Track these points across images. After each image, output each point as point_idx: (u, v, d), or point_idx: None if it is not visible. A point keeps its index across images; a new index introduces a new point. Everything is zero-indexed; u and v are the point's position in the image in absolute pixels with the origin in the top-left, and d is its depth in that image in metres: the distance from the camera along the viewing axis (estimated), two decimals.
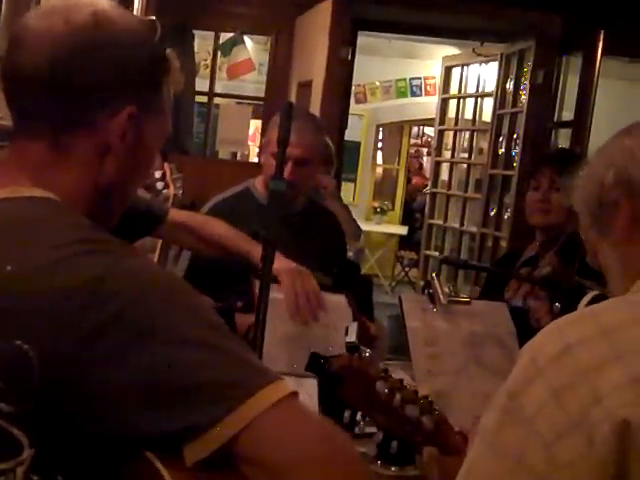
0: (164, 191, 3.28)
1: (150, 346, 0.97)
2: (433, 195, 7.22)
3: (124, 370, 0.96)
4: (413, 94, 11.18)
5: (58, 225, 1.06)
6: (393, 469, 1.87)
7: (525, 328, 2.25)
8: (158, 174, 3.29)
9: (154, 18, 1.17)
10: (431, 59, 9.95)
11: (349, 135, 6.81)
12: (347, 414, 1.33)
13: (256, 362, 1.05)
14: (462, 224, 6.66)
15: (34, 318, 0.97)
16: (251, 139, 7.52)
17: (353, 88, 7.06)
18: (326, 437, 1.01)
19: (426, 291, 2.13)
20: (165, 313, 0.99)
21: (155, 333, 0.97)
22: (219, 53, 6.20)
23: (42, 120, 1.10)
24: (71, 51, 1.08)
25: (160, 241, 3.23)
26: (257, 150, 7.45)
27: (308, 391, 1.82)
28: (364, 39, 6.74)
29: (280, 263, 2.22)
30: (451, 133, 7.21)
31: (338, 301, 2.37)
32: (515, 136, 5.79)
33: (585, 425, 0.86)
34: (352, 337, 1.69)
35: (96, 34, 1.09)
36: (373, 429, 1.39)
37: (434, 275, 2.15)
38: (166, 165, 3.31)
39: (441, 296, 2.08)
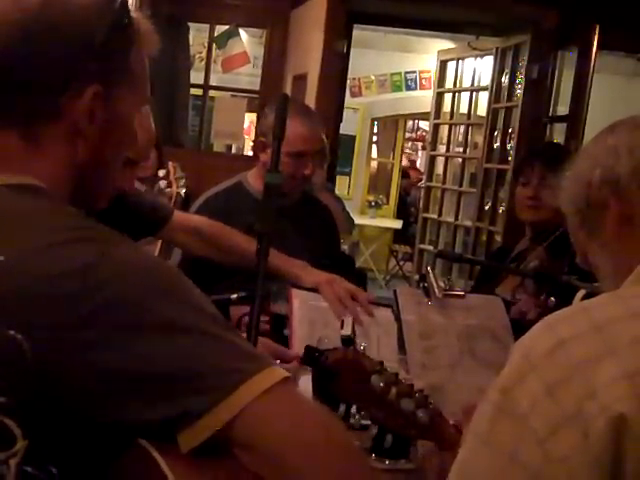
0: (167, 190, 3.28)
1: (142, 334, 0.97)
2: (428, 189, 7.22)
3: (116, 358, 0.96)
4: (408, 88, 11.18)
5: (49, 212, 1.05)
6: (387, 462, 1.87)
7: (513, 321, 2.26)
8: (162, 173, 3.29)
9: None
10: (426, 53, 9.95)
11: (344, 129, 6.81)
12: (342, 408, 1.33)
13: (249, 349, 1.05)
14: (457, 218, 6.66)
15: (27, 307, 0.97)
16: (246, 132, 7.51)
17: (348, 82, 7.06)
18: (320, 422, 1.01)
19: (421, 285, 2.13)
20: (157, 301, 0.99)
21: (147, 321, 0.97)
22: (214, 46, 6.19)
23: (3, 111, 1.08)
24: (22, 37, 1.05)
25: None
26: (251, 143, 7.45)
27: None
28: (359, 32, 6.73)
29: (314, 277, 2.24)
30: (446, 127, 7.22)
31: (385, 315, 2.35)
32: (510, 130, 5.80)
33: (580, 420, 0.86)
34: (347, 330, 1.69)
35: (46, 13, 1.06)
36: (368, 422, 1.39)
37: (429, 269, 2.15)
38: (170, 164, 3.32)
39: (436, 290, 2.08)
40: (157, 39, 1.17)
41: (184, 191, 3.55)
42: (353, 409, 1.37)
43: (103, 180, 1.18)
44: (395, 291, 2.18)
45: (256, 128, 6.11)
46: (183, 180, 3.56)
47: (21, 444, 0.96)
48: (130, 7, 1.13)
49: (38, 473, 0.98)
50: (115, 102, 1.11)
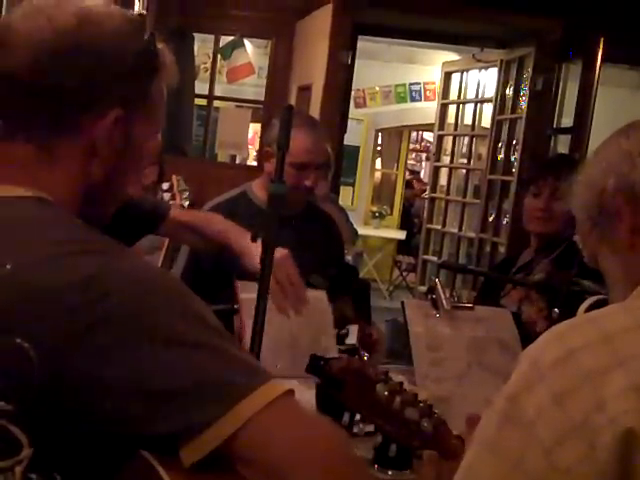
0: (171, 202, 3.29)
1: (142, 347, 0.97)
2: (432, 200, 7.22)
3: (117, 371, 0.96)
4: (412, 99, 11.19)
5: (52, 224, 1.06)
6: (390, 473, 1.86)
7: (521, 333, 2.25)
8: (166, 186, 3.30)
9: (143, 13, 1.15)
10: (431, 64, 9.96)
11: (348, 139, 6.81)
12: (346, 416, 1.33)
13: (252, 362, 1.05)
14: (460, 229, 6.66)
15: (32, 316, 0.97)
16: (250, 142, 7.52)
17: (352, 92, 7.07)
18: (323, 435, 1.01)
19: (429, 296, 2.12)
20: (158, 313, 0.99)
21: (148, 334, 0.97)
22: (219, 56, 6.21)
23: (25, 122, 1.10)
24: (53, 53, 1.07)
25: (167, 240, 3.24)
26: (255, 153, 7.46)
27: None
28: (364, 44, 6.74)
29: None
30: (450, 138, 7.22)
31: (318, 297, 2.35)
32: (514, 142, 5.80)
33: (587, 431, 0.86)
34: (352, 339, 1.69)
35: (79, 35, 1.08)
36: (371, 427, 1.38)
37: (437, 280, 2.14)
38: (174, 177, 3.33)
39: (444, 302, 2.08)
40: (177, 72, 1.19)
41: (187, 204, 3.56)
42: (357, 418, 1.37)
43: (112, 199, 1.20)
44: (403, 303, 2.17)
45: (261, 138, 6.14)
46: (187, 193, 3.57)
47: (27, 451, 0.96)
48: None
49: None
50: (133, 128, 1.13)
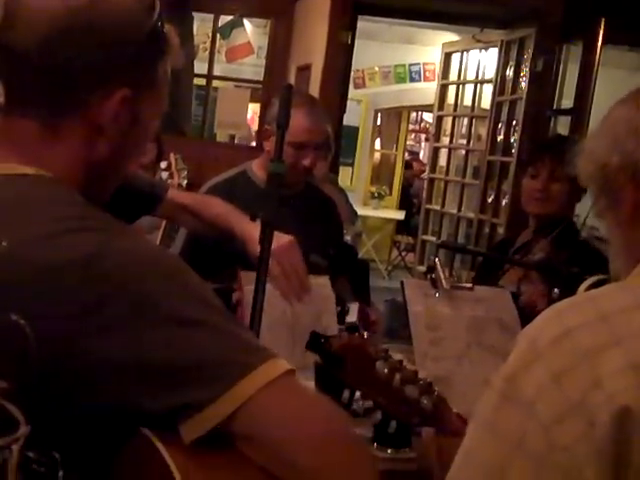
0: (169, 181, 3.29)
1: (143, 324, 0.97)
2: (431, 181, 7.21)
3: (117, 348, 0.96)
4: (412, 80, 11.16)
5: (53, 202, 1.06)
6: (389, 451, 1.87)
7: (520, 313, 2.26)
8: (164, 164, 3.30)
9: None
10: (430, 45, 9.93)
11: (347, 120, 6.79)
12: (346, 394, 1.33)
13: (253, 340, 1.05)
14: (459, 210, 6.65)
15: (29, 293, 0.97)
16: (249, 123, 7.50)
17: (352, 73, 7.05)
18: (323, 414, 1.01)
19: (429, 276, 2.12)
20: (158, 292, 0.99)
21: (148, 311, 0.97)
22: (218, 36, 6.18)
23: (32, 100, 1.09)
24: (65, 31, 1.06)
25: (164, 220, 3.24)
26: (253, 134, 7.43)
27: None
28: (364, 24, 6.71)
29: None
30: (450, 119, 7.20)
31: (323, 284, 2.36)
32: (514, 123, 5.78)
33: (585, 409, 0.86)
34: (352, 317, 1.69)
35: (91, 13, 1.07)
36: (371, 404, 1.39)
37: (437, 260, 2.14)
38: (172, 156, 3.32)
39: (444, 281, 2.08)
40: (182, 55, 1.20)
41: (185, 182, 3.56)
42: (357, 396, 1.37)
43: (114, 178, 1.20)
44: (402, 282, 2.17)
45: (259, 118, 6.12)
46: (185, 172, 3.57)
47: (24, 429, 0.96)
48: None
49: (41, 458, 0.98)
50: (139, 108, 1.13)
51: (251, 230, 2.01)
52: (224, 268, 2.44)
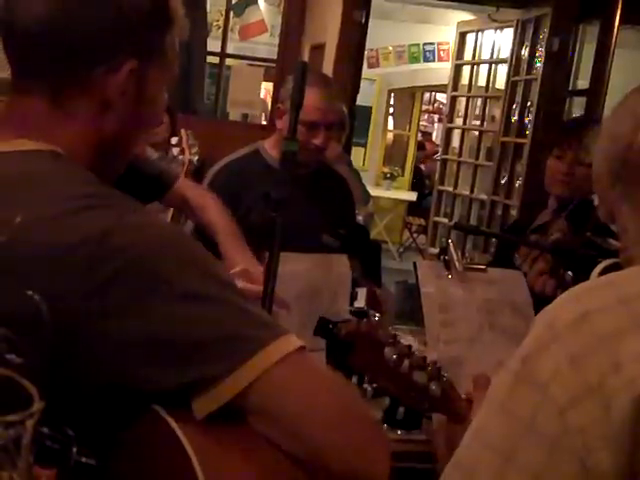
0: (180, 157, 3.27)
1: (157, 300, 0.97)
2: (444, 162, 7.19)
3: (132, 324, 0.96)
4: (426, 60, 11.11)
5: (66, 178, 1.06)
6: (399, 432, 1.87)
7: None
8: (174, 140, 3.28)
9: None
10: (445, 24, 9.87)
11: (360, 100, 6.75)
12: (355, 379, 1.33)
13: (265, 317, 1.05)
14: (472, 191, 6.63)
15: (44, 269, 0.97)
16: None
17: (366, 52, 7.01)
18: (335, 389, 1.01)
19: (442, 257, 2.11)
20: (173, 268, 0.99)
21: (162, 287, 0.97)
22: (232, 13, 6.15)
23: (40, 76, 1.09)
24: (68, 5, 1.06)
25: None
26: (265, 114, 7.42)
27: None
28: (378, 3, 6.67)
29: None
30: (463, 100, 7.17)
31: (342, 262, 2.35)
32: (529, 104, 5.74)
33: (602, 393, 0.85)
34: (361, 302, 1.68)
35: None
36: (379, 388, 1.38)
37: (450, 241, 2.12)
38: (183, 131, 3.31)
39: (457, 263, 2.06)
40: (188, 25, 1.19)
41: (197, 158, 3.54)
42: (366, 382, 1.37)
43: (124, 153, 1.20)
44: (415, 263, 2.15)
45: (272, 97, 6.10)
46: (196, 147, 3.55)
47: (38, 405, 0.96)
48: None
49: (54, 434, 0.98)
50: (147, 80, 1.12)
51: (232, 253, 2.04)
52: None
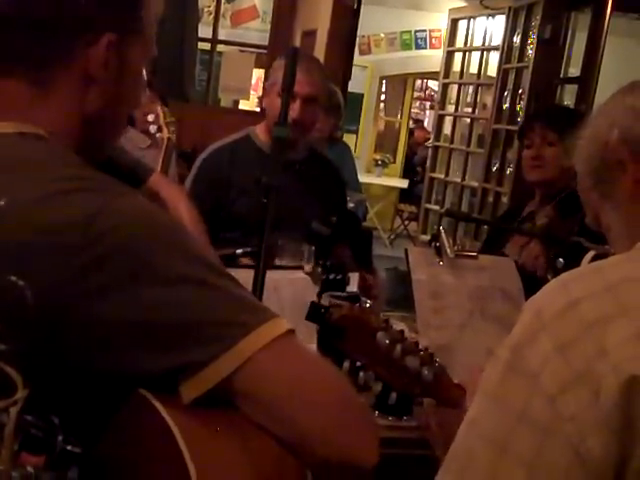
0: (157, 135, 3.24)
1: (143, 284, 0.96)
2: (435, 149, 7.19)
3: (117, 308, 0.95)
4: (418, 46, 11.09)
5: (50, 161, 1.04)
6: (390, 419, 1.87)
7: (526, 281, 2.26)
8: (151, 117, 3.25)
9: None
10: (437, 11, 9.85)
11: (352, 86, 6.74)
12: (346, 364, 1.32)
13: (253, 300, 1.04)
14: (464, 178, 6.64)
15: (28, 254, 0.96)
16: (253, 88, 7.46)
17: (357, 39, 6.99)
18: (323, 375, 1.01)
19: (433, 244, 2.11)
20: (159, 252, 0.98)
21: (148, 271, 0.96)
22: None
23: (18, 57, 1.07)
24: None
25: None
26: (257, 100, 7.40)
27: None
28: None
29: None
30: (455, 87, 7.16)
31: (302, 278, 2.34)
32: (520, 91, 5.74)
33: (590, 379, 0.86)
34: (353, 287, 1.68)
35: None
36: (371, 373, 1.38)
37: (442, 228, 2.13)
38: (159, 108, 3.27)
39: (448, 250, 2.06)
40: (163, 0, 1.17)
41: (175, 136, 3.51)
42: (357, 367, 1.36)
43: (110, 131, 1.18)
44: (406, 250, 2.15)
45: (264, 84, 6.09)
46: (174, 125, 3.52)
47: (22, 393, 0.95)
48: None
49: (39, 422, 0.97)
50: (127, 53, 1.11)
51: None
52: (223, 231, 2.44)
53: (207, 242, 2.17)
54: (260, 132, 2.90)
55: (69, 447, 0.98)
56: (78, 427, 0.99)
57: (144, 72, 1.18)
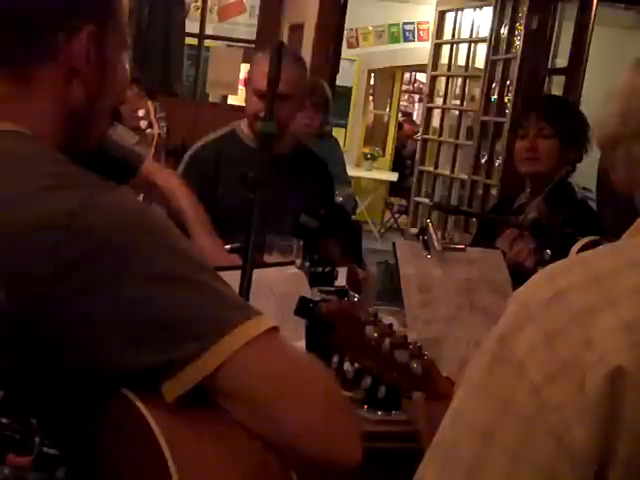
0: (147, 130, 3.23)
1: (126, 282, 0.95)
2: (424, 141, 7.18)
3: (99, 306, 0.94)
4: (406, 39, 11.07)
5: (32, 157, 1.04)
6: (379, 413, 1.87)
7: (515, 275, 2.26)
8: (141, 113, 3.23)
9: None
10: (425, 4, 9.83)
11: (340, 80, 6.74)
12: (335, 359, 1.32)
13: (236, 298, 1.04)
14: (453, 171, 6.64)
15: (8, 251, 0.95)
16: (241, 83, 7.44)
17: (345, 32, 6.98)
18: (307, 371, 1.01)
19: (421, 237, 2.10)
20: (142, 248, 0.98)
21: (131, 268, 0.96)
22: None
23: (1, 55, 1.07)
24: None
25: None
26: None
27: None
28: None
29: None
30: (443, 79, 7.16)
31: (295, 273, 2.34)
32: (508, 83, 5.74)
33: (576, 369, 0.85)
34: (342, 281, 1.67)
35: None
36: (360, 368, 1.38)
37: (429, 221, 2.12)
38: (149, 103, 3.26)
39: (436, 243, 2.06)
40: None
41: (165, 131, 3.50)
42: (346, 365, 1.36)
43: (94, 125, 1.17)
44: (394, 244, 2.15)
45: None
46: (164, 120, 3.51)
47: None
48: None
49: (15, 425, 0.96)
50: (106, 45, 1.11)
51: (203, 244, 2.08)
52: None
53: (209, 224, 2.17)
54: (245, 127, 2.90)
55: (45, 449, 0.97)
56: (59, 428, 0.99)
57: (126, 65, 1.18)
